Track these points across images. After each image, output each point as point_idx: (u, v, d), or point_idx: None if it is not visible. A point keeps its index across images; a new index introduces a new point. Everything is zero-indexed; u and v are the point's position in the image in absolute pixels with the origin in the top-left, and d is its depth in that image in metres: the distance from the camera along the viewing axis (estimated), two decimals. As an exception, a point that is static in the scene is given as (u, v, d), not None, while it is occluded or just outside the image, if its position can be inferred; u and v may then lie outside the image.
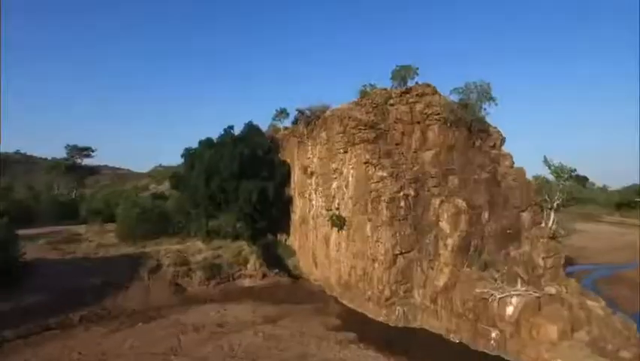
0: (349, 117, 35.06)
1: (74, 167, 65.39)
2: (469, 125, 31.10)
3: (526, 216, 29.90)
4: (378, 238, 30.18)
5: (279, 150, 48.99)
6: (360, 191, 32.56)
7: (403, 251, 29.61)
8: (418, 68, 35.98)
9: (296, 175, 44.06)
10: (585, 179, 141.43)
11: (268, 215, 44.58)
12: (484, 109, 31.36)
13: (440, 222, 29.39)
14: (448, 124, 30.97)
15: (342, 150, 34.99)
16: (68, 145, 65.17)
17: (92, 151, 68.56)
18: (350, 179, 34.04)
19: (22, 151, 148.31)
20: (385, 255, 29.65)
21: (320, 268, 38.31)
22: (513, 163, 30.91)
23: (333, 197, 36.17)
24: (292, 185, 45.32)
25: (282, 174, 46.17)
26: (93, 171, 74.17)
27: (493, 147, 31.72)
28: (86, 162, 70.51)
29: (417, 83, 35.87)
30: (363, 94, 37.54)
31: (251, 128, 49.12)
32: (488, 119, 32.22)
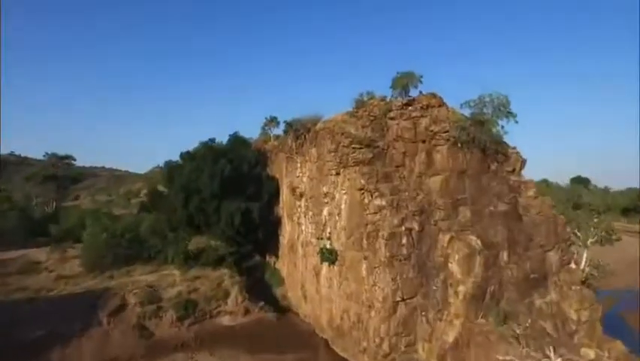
0: (342, 133, 29.56)
1: (55, 176, 59.66)
2: (483, 145, 25.56)
3: (553, 256, 24.38)
4: (376, 281, 24.75)
5: (267, 163, 43.52)
6: (355, 222, 27.09)
7: (405, 298, 24.18)
8: (421, 76, 30.40)
9: (284, 194, 38.61)
10: (587, 181, 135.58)
11: (254, 238, 39.20)
12: (502, 127, 25.79)
13: (450, 264, 23.91)
14: (459, 144, 25.43)
15: (333, 172, 29.50)
16: (47, 153, 59.64)
17: (74, 160, 62.96)
18: (343, 206, 28.56)
19: (16, 152, 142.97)
20: (384, 302, 24.23)
21: (310, 303, 32.91)
22: (536, 192, 25.29)
23: (324, 225, 30.72)
24: (281, 204, 39.87)
25: (270, 192, 40.70)
26: (77, 179, 68.44)
27: (512, 172, 26.12)
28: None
29: (421, 92, 30.36)
30: (360, 104, 32.03)
31: (236, 140, 43.65)
32: (506, 139, 26.65)
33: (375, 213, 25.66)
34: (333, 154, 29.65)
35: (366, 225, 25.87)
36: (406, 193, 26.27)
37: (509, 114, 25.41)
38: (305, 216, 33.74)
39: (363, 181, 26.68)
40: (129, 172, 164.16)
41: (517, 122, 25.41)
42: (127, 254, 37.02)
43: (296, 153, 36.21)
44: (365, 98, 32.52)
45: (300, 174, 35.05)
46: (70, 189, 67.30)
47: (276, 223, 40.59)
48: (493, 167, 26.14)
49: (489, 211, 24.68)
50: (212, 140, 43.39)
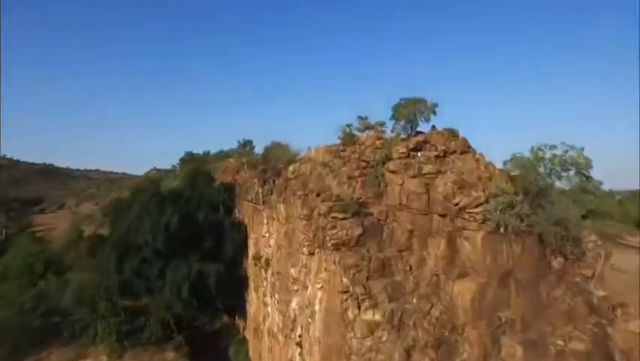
0: (318, 192, 19.14)
1: (5, 200, 49.57)
2: (540, 230, 14.98)
3: None
4: None
5: (235, 201, 33.16)
6: (333, 341, 16.69)
7: None
8: (436, 105, 19.82)
9: (250, 256, 28.30)
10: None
11: (211, 309, 29.03)
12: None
13: None
14: (502, 228, 14.83)
15: (305, 250, 19.07)
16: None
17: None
18: (317, 307, 18.13)
19: (8, 156, 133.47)
20: None
21: (277, 419, 22.76)
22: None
23: (294, 321, 20.40)
24: (249, 261, 29.54)
25: (237, 242, 30.22)
26: (34, 201, 58.33)
27: (592, 277, 15.62)
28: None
29: (434, 128, 19.84)
30: (347, 139, 21.53)
31: (195, 175, 33.17)
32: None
33: (365, 338, 15.28)
34: (305, 223, 19.22)
35: (350, 355, 15.48)
36: (414, 300, 15.85)
37: (587, 179, 14.78)
38: (271, 297, 23.42)
39: (346, 280, 16.24)
40: (126, 174, 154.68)
41: (596, 196, 14.77)
42: (44, 328, 27.14)
43: (263, 202, 25.83)
44: (355, 130, 22.07)
45: (267, 234, 24.70)
46: (25, 213, 57.11)
47: (245, 282, 30.34)
48: (557, 265, 15.51)
49: (555, 349, 14.16)
50: (168, 172, 33.09)
